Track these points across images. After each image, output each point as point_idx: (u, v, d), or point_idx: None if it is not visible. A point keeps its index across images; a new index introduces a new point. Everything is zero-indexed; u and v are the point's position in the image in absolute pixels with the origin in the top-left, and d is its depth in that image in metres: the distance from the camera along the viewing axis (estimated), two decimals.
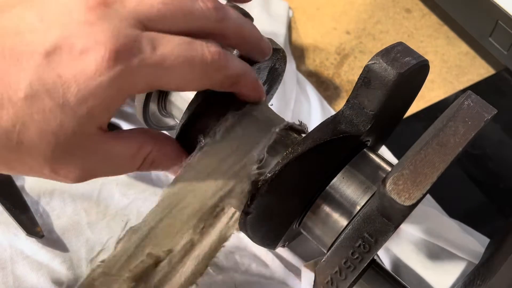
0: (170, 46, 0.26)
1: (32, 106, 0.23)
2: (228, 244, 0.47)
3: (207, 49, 0.28)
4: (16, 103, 0.23)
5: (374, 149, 0.36)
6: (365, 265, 0.29)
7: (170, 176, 0.50)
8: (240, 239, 0.47)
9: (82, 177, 0.27)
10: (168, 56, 0.26)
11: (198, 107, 0.33)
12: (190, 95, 0.37)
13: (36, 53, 0.23)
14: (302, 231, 0.36)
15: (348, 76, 0.66)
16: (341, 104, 0.63)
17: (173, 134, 0.53)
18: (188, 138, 0.33)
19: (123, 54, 0.24)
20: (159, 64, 0.26)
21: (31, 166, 0.25)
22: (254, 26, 0.32)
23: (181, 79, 0.27)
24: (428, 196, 0.53)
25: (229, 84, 0.30)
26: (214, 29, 0.29)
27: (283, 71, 0.40)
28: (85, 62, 0.24)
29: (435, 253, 0.47)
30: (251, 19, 0.34)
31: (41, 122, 0.24)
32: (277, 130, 0.32)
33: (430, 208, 0.51)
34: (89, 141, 0.26)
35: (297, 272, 0.46)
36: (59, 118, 0.24)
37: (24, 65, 0.23)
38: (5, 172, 0.27)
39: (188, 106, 0.34)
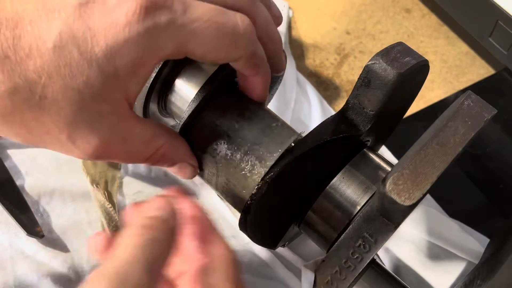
0: (202, 10, 0.26)
1: (60, 58, 0.23)
2: (228, 243, 0.47)
3: (240, 19, 0.27)
4: (44, 54, 0.23)
5: (374, 149, 0.36)
6: (365, 265, 0.29)
7: (170, 175, 0.50)
8: (240, 239, 0.47)
9: (97, 153, 0.26)
10: (198, 19, 0.25)
11: (199, 107, 0.33)
12: (190, 95, 0.37)
13: (69, 4, 0.23)
14: (302, 231, 0.36)
15: (348, 76, 0.66)
16: (341, 104, 0.63)
17: None
18: (190, 136, 0.33)
19: (154, 10, 0.24)
20: (188, 26, 0.25)
21: (49, 129, 0.24)
22: (278, 31, 0.32)
23: (209, 45, 0.27)
24: (428, 196, 0.53)
25: (253, 64, 0.30)
26: (245, 8, 0.28)
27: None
28: (116, 15, 0.23)
29: (435, 253, 0.48)
30: None
31: (67, 77, 0.23)
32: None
33: (430, 208, 0.51)
34: (113, 110, 0.25)
35: (297, 272, 0.46)
36: (86, 74, 0.23)
37: (56, 15, 0.23)
38: (20, 135, 0.25)
39: (189, 104, 0.34)
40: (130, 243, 0.24)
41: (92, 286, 0.22)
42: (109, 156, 0.27)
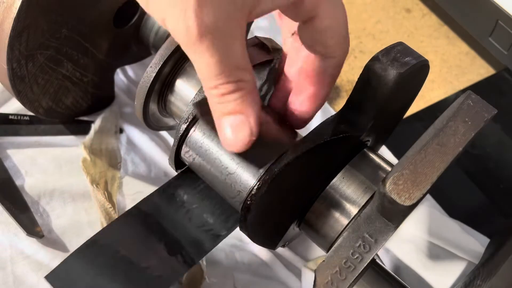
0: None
1: None
2: (228, 243, 0.47)
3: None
4: None
5: (374, 149, 0.36)
6: (365, 265, 0.29)
7: (170, 175, 0.50)
8: (240, 238, 0.47)
9: (208, 29, 0.24)
10: None
11: None
12: (190, 95, 0.37)
13: None
14: (302, 231, 0.36)
15: (348, 76, 0.66)
16: (341, 104, 0.62)
17: (173, 134, 0.53)
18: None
19: None
20: None
21: None
22: None
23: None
24: (428, 196, 0.53)
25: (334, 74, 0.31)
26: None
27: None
28: None
29: (435, 253, 0.47)
30: None
31: None
32: None
33: (430, 208, 0.51)
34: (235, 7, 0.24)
35: (297, 272, 0.46)
36: None
37: None
38: None
39: (189, 104, 0.33)
40: None
41: None
42: (212, 42, 0.24)
